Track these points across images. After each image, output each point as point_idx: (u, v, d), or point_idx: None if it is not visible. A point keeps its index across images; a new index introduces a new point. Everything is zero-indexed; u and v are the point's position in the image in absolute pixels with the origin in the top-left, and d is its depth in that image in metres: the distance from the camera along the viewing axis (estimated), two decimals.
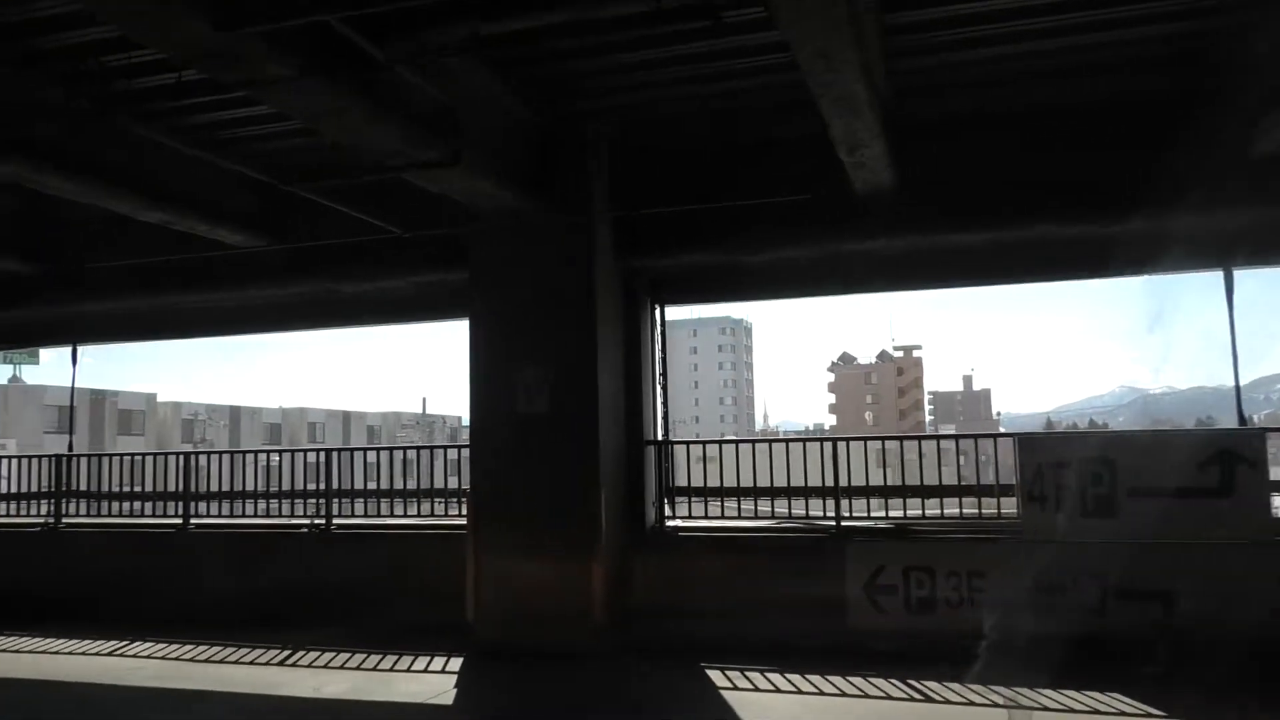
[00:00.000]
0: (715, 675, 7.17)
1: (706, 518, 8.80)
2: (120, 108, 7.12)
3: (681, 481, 9.07)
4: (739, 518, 8.81)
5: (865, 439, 8.44)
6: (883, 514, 8.88)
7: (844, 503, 8.40)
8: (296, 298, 10.12)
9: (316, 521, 9.76)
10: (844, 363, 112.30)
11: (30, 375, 50.14)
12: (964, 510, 8.25)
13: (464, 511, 9.45)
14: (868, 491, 8.61)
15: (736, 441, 9.12)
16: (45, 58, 6.76)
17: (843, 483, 8.41)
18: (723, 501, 8.79)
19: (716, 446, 9.01)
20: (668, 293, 9.21)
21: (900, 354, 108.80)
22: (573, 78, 7.56)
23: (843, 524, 8.38)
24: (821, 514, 8.50)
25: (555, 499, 8.10)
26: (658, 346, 9.27)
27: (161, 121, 7.48)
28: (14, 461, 11.25)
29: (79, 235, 10.28)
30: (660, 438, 9.06)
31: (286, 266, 9.79)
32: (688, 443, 9.31)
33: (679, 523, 8.91)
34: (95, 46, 6.47)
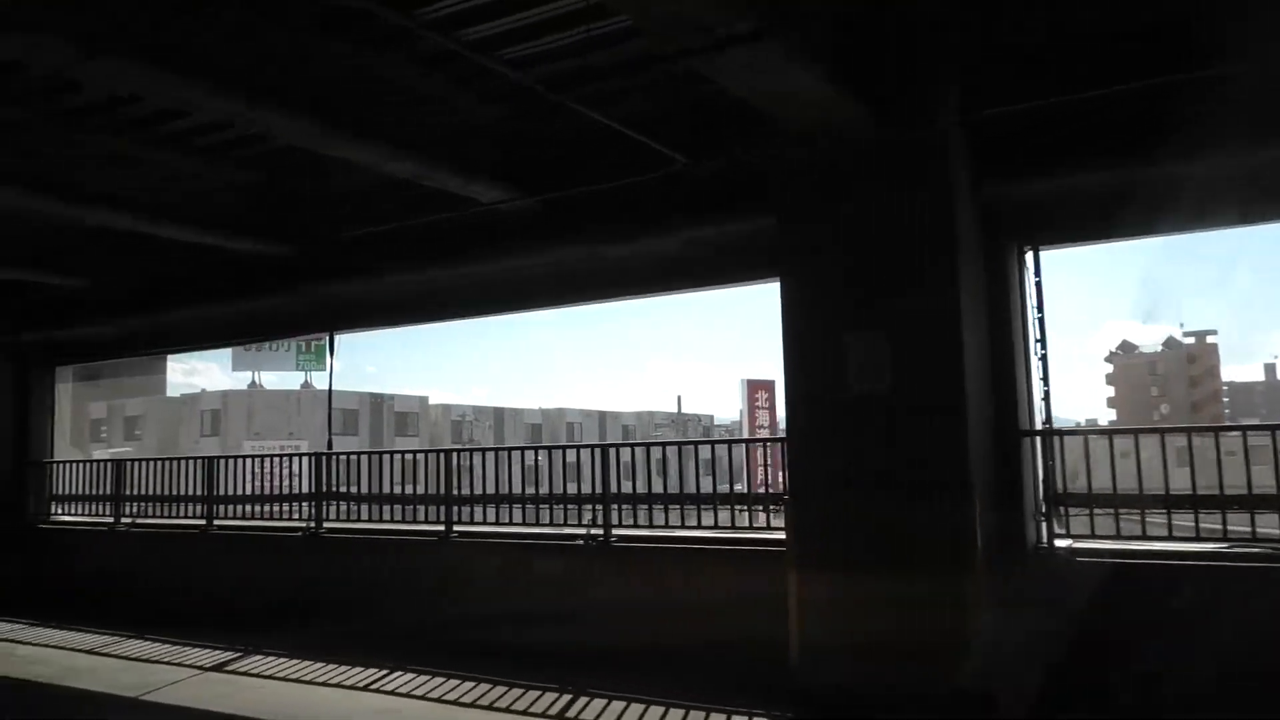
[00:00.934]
0: None
1: (1120, 537, 6.30)
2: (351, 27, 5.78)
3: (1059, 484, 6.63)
4: (1166, 538, 6.25)
5: None
6: None
7: None
8: (553, 266, 8.56)
9: (594, 532, 8.14)
10: (1124, 351, 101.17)
11: (319, 380, 53.86)
12: None
13: (761, 523, 7.63)
14: None
15: (1162, 430, 6.51)
16: None
17: None
18: (1143, 515, 6.26)
19: (1128, 439, 6.43)
20: (1041, 229, 6.79)
21: (1191, 340, 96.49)
22: None
23: None
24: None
25: (907, 507, 5.94)
26: (1031, 303, 6.88)
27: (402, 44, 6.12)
28: (277, 461, 10.53)
29: (324, 210, 9.28)
30: (1042, 426, 6.68)
31: (543, 229, 8.29)
32: (1085, 432, 6.80)
33: (1070, 542, 6.49)
34: None
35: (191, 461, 10.84)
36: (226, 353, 50.99)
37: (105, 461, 11.87)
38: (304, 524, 9.81)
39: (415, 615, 8.53)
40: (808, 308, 6.48)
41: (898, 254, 6.15)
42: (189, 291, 10.46)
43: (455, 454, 9.08)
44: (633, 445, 8.49)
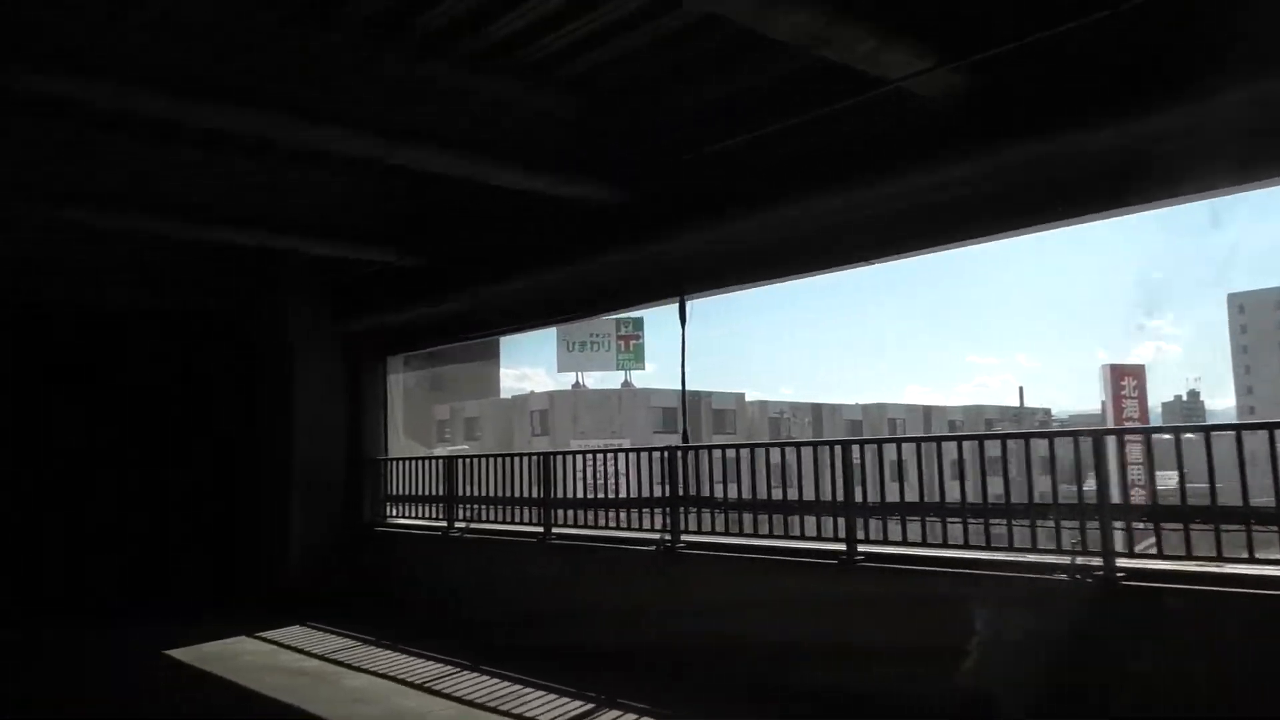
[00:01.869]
0: None
1: None
2: None
3: None
4: None
5: None
6: None
7: None
8: (995, 175, 5.92)
9: (1086, 562, 5.42)
10: None
11: (638, 380, 54.18)
12: None
13: None
14: None
15: None
16: None
17: None
18: None
19: None
20: None
21: None
22: None
23: None
24: None
25: None
26: None
27: None
28: (621, 458, 8.69)
29: (661, 139, 7.24)
30: None
31: (976, 117, 5.67)
32: None
33: None
34: None
35: (525, 459, 9.30)
36: (553, 356, 52.67)
37: (436, 459, 10.75)
38: (657, 535, 7.86)
39: (812, 661, 6.29)
40: None
41: None
42: (515, 258, 8.88)
43: (859, 446, 6.66)
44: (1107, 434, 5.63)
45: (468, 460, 10.11)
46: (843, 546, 6.52)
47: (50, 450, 11.09)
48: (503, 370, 65.91)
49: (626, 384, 51.87)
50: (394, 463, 11.11)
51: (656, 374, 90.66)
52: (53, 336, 11.19)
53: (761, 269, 7.73)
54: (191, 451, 11.89)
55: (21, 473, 10.78)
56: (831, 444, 6.82)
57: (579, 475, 9.06)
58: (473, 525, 9.79)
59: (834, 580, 6.47)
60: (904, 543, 6.36)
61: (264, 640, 8.88)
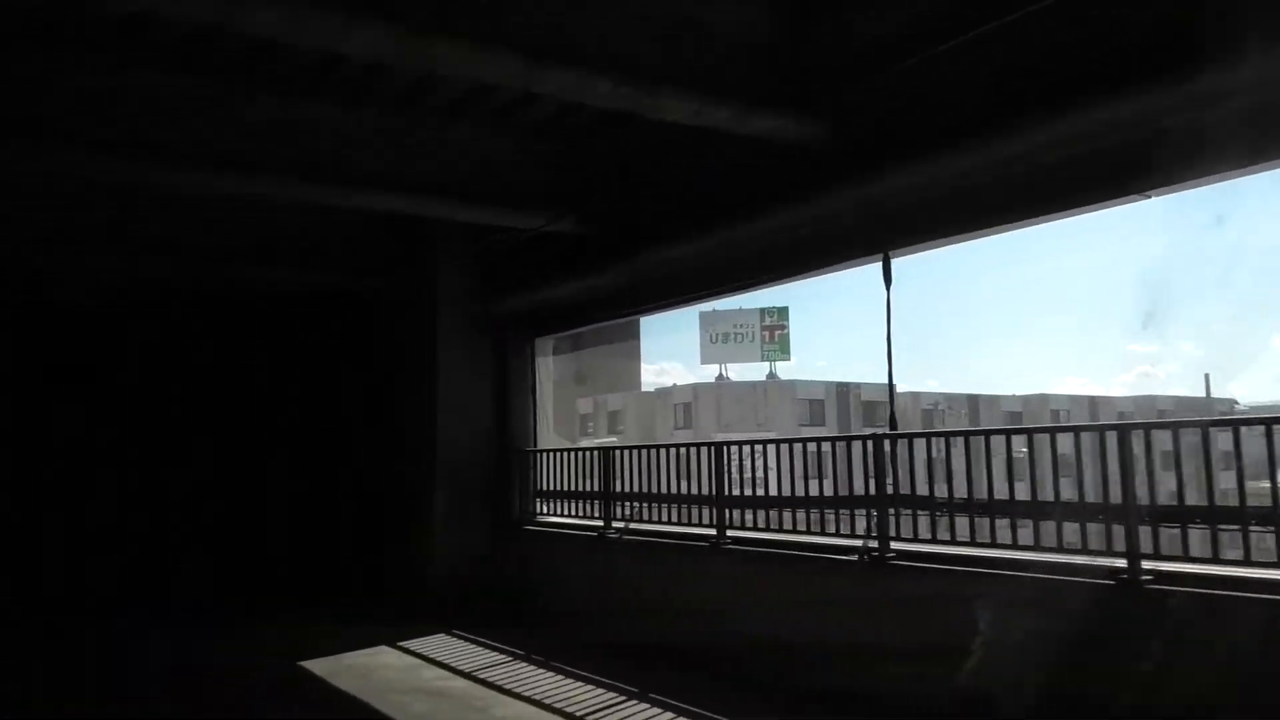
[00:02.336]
0: None
1: None
2: None
3: None
4: None
5: None
6: None
7: None
8: None
9: None
10: None
11: (783, 371, 52.39)
12: None
13: None
14: None
15: None
16: None
17: None
18: None
19: None
20: None
21: None
22: None
23: None
24: None
25: None
26: None
27: None
28: (819, 446, 7.34)
29: (871, 60, 5.88)
30: None
31: None
32: None
33: None
34: None
35: (695, 450, 8.06)
36: (692, 351, 51.64)
37: (590, 450, 9.62)
38: (859, 542, 6.50)
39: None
40: None
41: None
42: (688, 216, 7.67)
43: (1145, 432, 5.13)
44: None
45: (627, 452, 8.93)
46: (1122, 562, 5.00)
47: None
48: (643, 366, 65.34)
49: (772, 376, 50.22)
50: (544, 454, 10.10)
51: (799, 367, 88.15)
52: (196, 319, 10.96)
53: (990, 214, 6.19)
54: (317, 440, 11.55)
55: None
56: (1099, 428, 5.28)
57: (748, 469, 7.84)
58: (632, 524, 8.65)
59: (1103, 599, 4.98)
60: (1214, 559, 4.79)
61: (405, 651, 8.00)
